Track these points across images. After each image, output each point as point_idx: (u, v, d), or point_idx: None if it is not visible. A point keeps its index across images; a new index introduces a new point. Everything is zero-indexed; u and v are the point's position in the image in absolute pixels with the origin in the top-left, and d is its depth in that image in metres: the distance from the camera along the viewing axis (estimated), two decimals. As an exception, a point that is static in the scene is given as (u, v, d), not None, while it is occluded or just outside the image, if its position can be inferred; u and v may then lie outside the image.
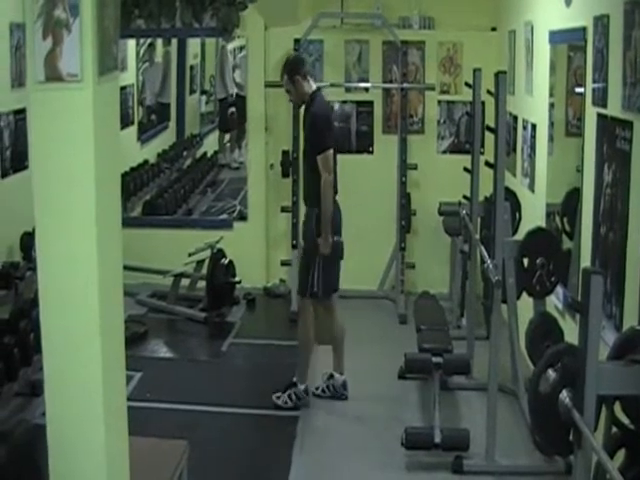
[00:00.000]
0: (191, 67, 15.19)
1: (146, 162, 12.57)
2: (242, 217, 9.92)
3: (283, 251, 9.28)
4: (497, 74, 5.72)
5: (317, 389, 6.63)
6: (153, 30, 9.50)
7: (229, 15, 9.08)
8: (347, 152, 9.29)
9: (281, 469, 5.65)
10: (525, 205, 7.31)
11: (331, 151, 6.29)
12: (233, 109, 14.35)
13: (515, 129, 7.91)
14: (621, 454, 3.73)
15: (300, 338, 6.62)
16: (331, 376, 6.66)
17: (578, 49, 5.84)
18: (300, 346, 6.62)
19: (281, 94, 8.96)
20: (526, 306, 6.24)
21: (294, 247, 8.86)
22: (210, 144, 15.22)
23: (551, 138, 6.69)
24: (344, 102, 9.36)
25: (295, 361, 6.69)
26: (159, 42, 13.77)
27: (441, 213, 8.41)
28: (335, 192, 6.45)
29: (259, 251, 9.38)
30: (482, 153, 7.17)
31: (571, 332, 5.41)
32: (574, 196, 5.88)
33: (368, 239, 9.04)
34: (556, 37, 6.47)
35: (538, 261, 5.91)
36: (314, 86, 6.53)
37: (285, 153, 8.94)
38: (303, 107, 6.65)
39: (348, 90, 9.33)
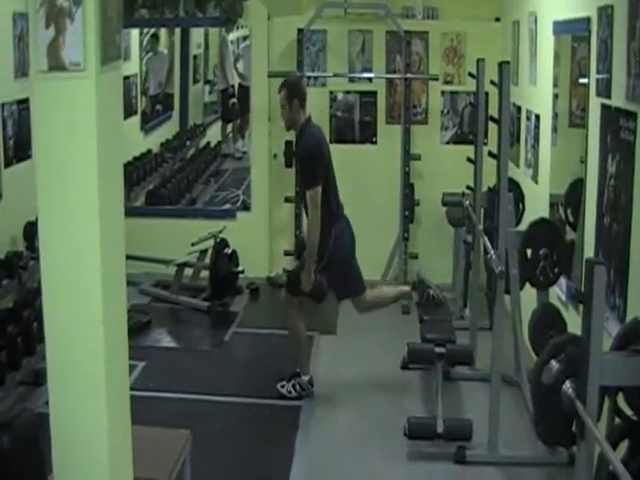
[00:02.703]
0: (194, 57, 15.18)
1: (149, 152, 12.56)
2: (245, 207, 9.93)
3: (286, 241, 9.29)
4: (501, 64, 5.71)
5: (283, 387, 6.59)
6: (156, 20, 9.50)
7: (232, 5, 9.08)
8: (350, 142, 9.32)
9: (284, 459, 5.66)
10: (528, 196, 7.30)
11: (320, 188, 6.24)
12: (234, 99, 14.34)
13: (519, 120, 7.90)
14: (624, 445, 3.73)
15: (290, 331, 6.66)
16: (298, 374, 6.64)
17: (582, 40, 5.82)
18: (292, 339, 6.66)
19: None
20: (529, 297, 6.24)
21: (297, 237, 8.86)
22: (213, 134, 15.22)
23: (555, 129, 6.68)
24: (347, 92, 9.35)
25: (293, 352, 6.70)
26: (163, 32, 13.74)
27: (444, 203, 8.39)
28: (339, 216, 6.49)
29: (262, 241, 9.38)
30: (485, 144, 7.16)
31: (574, 323, 5.39)
32: (578, 187, 5.87)
33: (371, 229, 9.03)
34: (560, 27, 6.46)
35: (541, 252, 5.90)
36: (307, 115, 6.52)
37: (288, 143, 8.91)
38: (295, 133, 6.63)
39: (351, 80, 9.32)
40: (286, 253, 9.20)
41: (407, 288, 6.94)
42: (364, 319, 7.00)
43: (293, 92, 6.42)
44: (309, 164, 6.34)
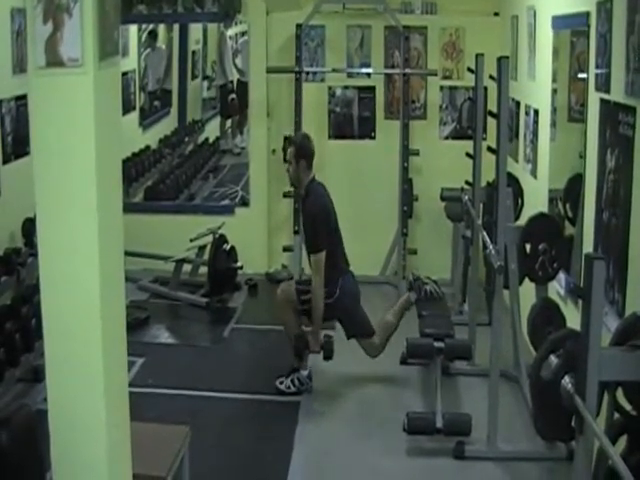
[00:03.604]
0: (193, 53, 15.16)
1: (148, 148, 12.55)
2: (244, 203, 9.91)
3: (285, 237, 9.28)
4: (499, 59, 5.70)
5: (281, 384, 6.61)
6: (155, 15, 9.49)
7: (231, 0, 9.06)
8: (349, 138, 9.32)
9: (283, 454, 5.66)
10: (527, 191, 7.30)
11: (323, 254, 6.36)
12: (233, 95, 14.34)
13: (517, 115, 7.89)
14: (623, 440, 3.73)
15: (284, 328, 6.71)
16: (297, 370, 6.64)
17: (581, 34, 5.82)
18: (288, 334, 6.68)
19: (283, 79, 9.01)
20: (528, 292, 6.24)
21: (296, 233, 8.86)
22: (212, 130, 15.20)
23: (554, 124, 6.68)
24: (346, 87, 9.35)
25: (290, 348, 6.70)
26: (161, 28, 13.73)
27: (443, 199, 8.40)
28: (346, 270, 6.63)
29: (261, 237, 9.38)
30: (484, 139, 7.16)
31: (573, 318, 5.40)
32: (577, 182, 5.87)
33: (370, 225, 9.05)
34: (559, 22, 6.45)
35: (540, 247, 5.90)
36: (313, 174, 6.57)
37: (287, 138, 8.89)
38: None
39: (350, 75, 9.32)
40: (285, 249, 9.20)
41: (404, 298, 6.93)
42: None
43: (301, 153, 6.51)
44: (314, 231, 6.46)
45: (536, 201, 6.92)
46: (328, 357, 6.62)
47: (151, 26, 13.00)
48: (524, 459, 5.57)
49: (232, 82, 14.53)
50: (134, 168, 11.30)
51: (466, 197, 7.37)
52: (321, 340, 6.55)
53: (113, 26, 3.24)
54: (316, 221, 6.45)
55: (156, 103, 13.78)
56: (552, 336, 4.06)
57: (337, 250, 6.55)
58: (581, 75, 5.87)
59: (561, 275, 6.04)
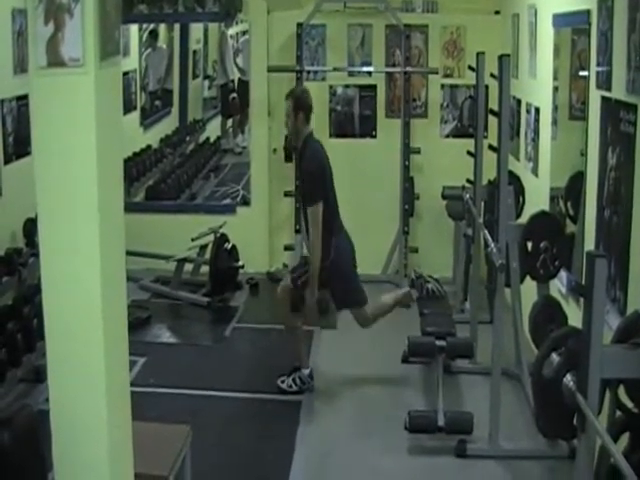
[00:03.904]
0: (194, 52, 15.16)
1: (149, 147, 12.55)
2: (245, 202, 9.92)
3: (286, 236, 9.29)
4: (501, 57, 5.69)
5: (283, 383, 6.60)
6: (155, 15, 9.49)
7: (232, -1, 9.07)
8: (350, 136, 9.32)
9: (284, 453, 5.66)
10: (529, 189, 7.30)
11: (321, 205, 6.30)
12: (234, 94, 14.33)
13: (519, 113, 7.89)
14: (625, 438, 3.73)
15: (285, 326, 6.70)
16: (298, 369, 6.64)
17: (582, 32, 5.82)
18: (288, 334, 6.68)
19: (284, 78, 9.00)
20: (530, 290, 6.23)
21: (297, 232, 8.87)
22: (213, 129, 15.20)
23: (555, 122, 6.67)
24: (347, 86, 9.35)
25: (291, 347, 6.70)
26: (162, 27, 13.73)
27: (444, 197, 8.40)
28: (339, 229, 6.54)
29: (262, 236, 9.38)
30: (485, 137, 7.16)
31: (575, 316, 5.40)
32: (578, 180, 5.87)
33: (371, 223, 9.05)
34: (560, 20, 6.45)
35: (542, 245, 5.90)
36: (311, 129, 6.55)
37: (288, 138, 8.91)
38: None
39: (351, 74, 9.32)
40: (286, 248, 9.21)
41: (405, 289, 6.93)
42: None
43: (299, 105, 6.48)
44: (311, 183, 6.41)
45: (537, 199, 6.92)
46: (324, 312, 6.52)
47: (152, 26, 12.99)
48: (526, 457, 5.56)
49: (233, 81, 14.52)
50: (135, 168, 11.30)
51: (467, 195, 7.37)
52: (318, 295, 6.42)
53: (114, 26, 3.24)
54: (313, 175, 6.40)
55: (157, 103, 13.78)
56: (554, 334, 4.05)
57: (332, 209, 6.46)
58: (582, 73, 5.87)
59: (562, 273, 6.04)
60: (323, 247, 6.33)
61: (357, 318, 6.73)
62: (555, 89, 6.70)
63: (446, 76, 9.22)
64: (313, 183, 6.38)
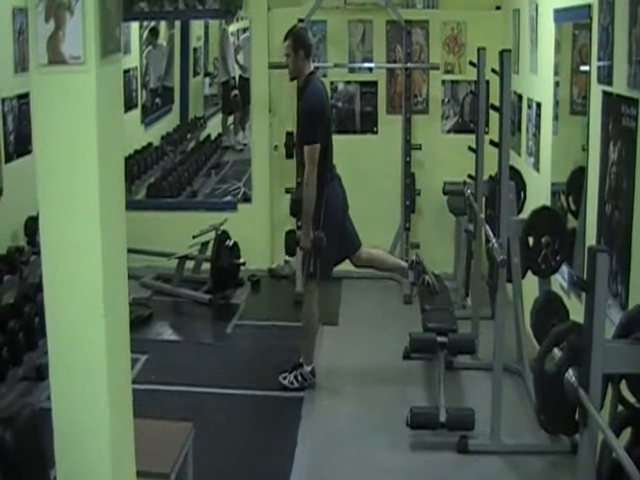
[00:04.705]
0: (194, 49, 15.17)
1: (150, 145, 12.55)
2: (246, 199, 9.92)
3: (288, 233, 9.28)
4: (502, 52, 5.69)
5: (285, 379, 6.59)
6: (156, 13, 9.48)
7: (232, -4, 9.06)
8: (351, 132, 9.31)
9: (286, 450, 5.66)
10: (530, 184, 7.29)
11: (318, 145, 6.26)
12: (236, 91, 14.33)
13: (520, 108, 7.88)
14: (627, 433, 3.73)
15: (305, 319, 6.62)
16: (300, 365, 6.64)
17: (583, 27, 5.82)
18: (305, 327, 6.62)
19: (285, 75, 8.96)
20: (531, 285, 6.23)
21: (299, 228, 8.85)
22: (214, 126, 15.20)
23: (556, 117, 6.67)
24: (348, 82, 9.34)
25: (300, 342, 6.69)
26: (162, 25, 13.73)
27: (445, 193, 8.41)
28: (332, 176, 6.49)
29: (263, 233, 9.38)
30: (487, 132, 7.14)
31: (576, 311, 5.40)
32: (579, 175, 5.87)
33: (372, 219, 9.01)
34: (561, 15, 6.44)
35: (543, 240, 5.90)
36: (312, 68, 6.53)
37: (289, 134, 8.90)
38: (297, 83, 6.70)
39: (352, 70, 9.30)
40: (287, 244, 9.22)
41: (405, 264, 6.91)
42: (365, 309, 6.99)
43: (299, 42, 6.43)
44: (310, 122, 6.36)
45: (539, 194, 6.92)
46: (319, 249, 6.39)
47: (152, 23, 12.99)
48: (528, 453, 5.56)
49: (234, 79, 14.52)
50: (136, 165, 11.31)
51: (468, 191, 7.38)
52: (311, 235, 6.37)
53: (115, 23, 3.24)
54: (313, 112, 6.37)
55: (157, 100, 13.79)
56: (555, 329, 4.06)
57: (326, 150, 6.42)
58: (583, 68, 5.86)
59: (564, 268, 6.05)
60: (316, 197, 6.30)
61: (351, 258, 6.75)
62: (556, 84, 6.69)
63: (447, 72, 9.21)
64: (311, 121, 6.34)
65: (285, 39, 6.54)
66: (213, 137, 14.78)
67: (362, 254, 6.70)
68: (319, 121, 6.35)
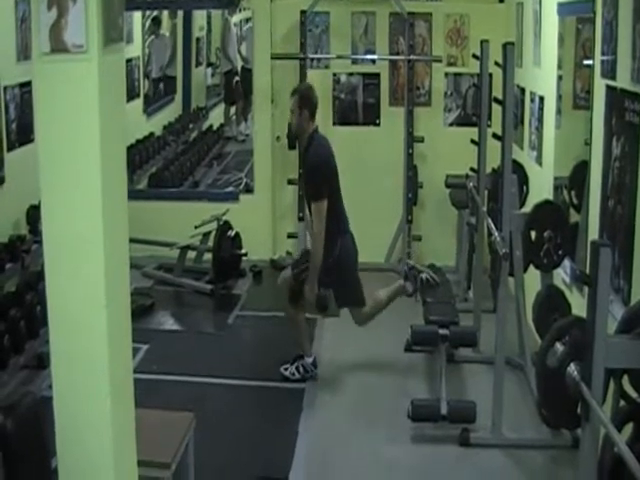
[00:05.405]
0: (197, 39, 15.15)
1: (152, 134, 12.56)
2: (248, 189, 9.93)
3: (289, 223, 9.28)
4: (505, 45, 5.68)
5: (286, 370, 6.60)
6: (159, 2, 9.47)
7: (235, -14, 9.05)
8: (354, 124, 9.30)
9: (287, 441, 5.66)
10: (532, 178, 7.29)
11: (325, 202, 6.27)
12: (237, 78, 14.31)
13: (522, 102, 7.87)
14: (629, 428, 3.72)
15: (286, 314, 6.68)
16: (301, 357, 6.64)
17: (587, 21, 5.80)
18: (289, 322, 6.67)
19: (287, 66, 8.98)
20: (533, 279, 6.23)
21: (300, 219, 8.86)
22: (216, 117, 15.20)
23: (559, 111, 6.66)
24: (350, 74, 9.32)
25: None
26: (165, 14, 13.71)
27: (448, 185, 8.40)
28: (345, 230, 6.53)
29: (265, 223, 9.37)
30: (489, 126, 7.13)
31: (578, 305, 5.40)
32: (582, 169, 5.86)
33: (375, 211, 9.04)
34: (564, 9, 6.43)
35: (545, 234, 5.89)
36: (315, 125, 6.53)
37: (291, 125, 8.89)
38: (299, 141, 6.75)
39: (354, 62, 9.29)
40: (289, 235, 9.20)
41: (398, 284, 6.88)
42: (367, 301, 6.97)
43: (304, 102, 6.45)
44: (316, 178, 6.38)
45: (541, 188, 6.91)
46: (323, 309, 6.49)
47: (155, 13, 12.98)
48: (529, 447, 5.56)
49: (237, 69, 14.50)
50: (138, 155, 11.31)
51: (471, 184, 7.37)
52: (317, 291, 6.40)
53: (117, 12, 3.23)
54: (318, 171, 6.38)
55: (160, 90, 13.78)
56: (558, 323, 4.05)
57: (337, 207, 6.43)
58: (587, 62, 5.85)
59: (566, 262, 6.04)
60: (327, 244, 6.30)
61: (354, 316, 6.74)
62: (559, 78, 6.68)
63: (450, 64, 9.20)
64: (318, 178, 6.35)
65: (292, 94, 6.58)
66: (215, 127, 14.77)
67: (365, 309, 6.71)
68: (325, 178, 6.36)
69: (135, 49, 12.09)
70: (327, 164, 6.43)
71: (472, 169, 7.48)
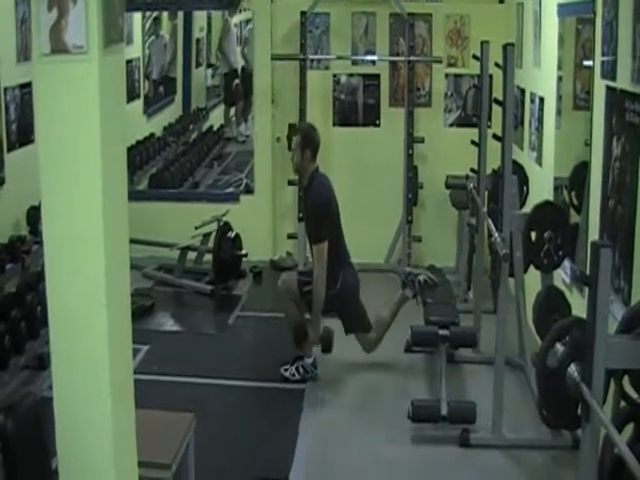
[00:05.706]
0: (197, 40, 15.15)
1: (152, 135, 12.55)
2: (248, 190, 9.93)
3: (290, 224, 9.28)
4: (505, 46, 5.68)
5: (286, 371, 6.61)
6: (159, 3, 9.46)
7: (235, -13, 9.05)
8: (354, 125, 9.30)
9: (288, 441, 5.66)
10: (533, 179, 7.29)
11: (326, 244, 6.36)
12: (237, 80, 14.31)
13: (523, 102, 7.87)
14: (629, 429, 3.72)
15: (286, 316, 6.70)
16: (301, 357, 6.65)
17: (587, 21, 5.80)
18: (289, 324, 6.67)
19: (287, 67, 8.98)
20: (533, 280, 6.23)
21: (300, 220, 8.86)
22: (216, 117, 15.21)
23: (559, 111, 6.66)
24: (351, 75, 9.33)
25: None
26: (165, 15, 13.72)
27: (448, 186, 8.40)
28: (348, 262, 6.65)
29: (266, 224, 9.37)
30: (489, 126, 7.13)
31: (578, 306, 5.40)
32: (582, 170, 5.86)
33: (375, 212, 9.04)
34: (565, 9, 6.43)
35: (546, 235, 5.90)
36: (316, 165, 6.56)
37: (292, 126, 8.89)
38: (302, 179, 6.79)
39: (355, 63, 9.29)
40: (289, 236, 9.21)
41: (398, 296, 6.89)
42: (367, 302, 6.97)
43: (306, 142, 6.50)
44: (316, 220, 6.47)
45: (541, 189, 6.91)
46: (326, 350, 6.62)
47: (155, 14, 12.98)
48: (529, 447, 5.56)
49: (237, 70, 14.50)
50: (139, 156, 11.32)
51: (471, 185, 7.36)
52: (320, 332, 6.54)
53: (118, 13, 3.22)
54: (318, 211, 6.45)
55: (160, 91, 13.78)
56: (558, 324, 4.05)
57: (338, 242, 6.54)
58: (587, 63, 5.84)
59: (566, 263, 6.04)
60: (329, 278, 6.39)
61: (362, 344, 6.79)
62: (559, 79, 6.68)
63: (450, 65, 9.20)
64: (319, 220, 6.44)
65: (295, 133, 6.64)
66: (215, 128, 14.77)
67: (372, 334, 6.75)
68: (325, 217, 6.44)
69: (135, 50, 12.09)
70: (328, 204, 6.50)
71: (472, 170, 7.48)
